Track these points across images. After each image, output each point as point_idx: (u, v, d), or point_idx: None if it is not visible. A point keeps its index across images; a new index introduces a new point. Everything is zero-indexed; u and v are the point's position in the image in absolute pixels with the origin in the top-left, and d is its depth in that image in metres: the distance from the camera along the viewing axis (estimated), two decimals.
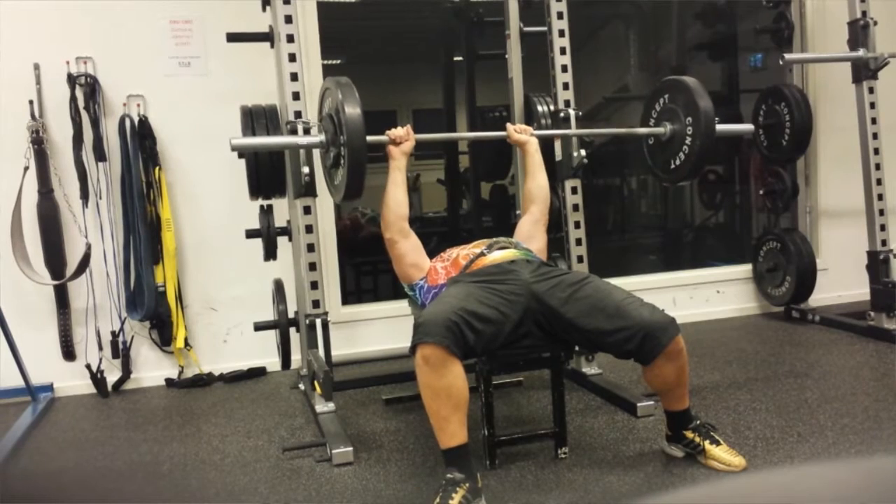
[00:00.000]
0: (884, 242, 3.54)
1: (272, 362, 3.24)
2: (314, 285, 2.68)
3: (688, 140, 2.61)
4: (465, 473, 1.94)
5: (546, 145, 3.15)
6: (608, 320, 2.07)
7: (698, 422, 2.20)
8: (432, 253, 2.47)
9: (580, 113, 2.98)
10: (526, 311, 2.10)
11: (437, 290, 2.27)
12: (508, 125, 2.70)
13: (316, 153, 2.59)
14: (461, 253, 2.37)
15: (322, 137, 2.21)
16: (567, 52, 3.03)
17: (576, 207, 3.05)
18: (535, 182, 2.61)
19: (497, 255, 2.30)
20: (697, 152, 2.58)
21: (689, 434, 2.18)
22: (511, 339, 2.10)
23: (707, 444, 2.15)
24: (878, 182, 3.54)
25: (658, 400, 2.54)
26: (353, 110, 1.99)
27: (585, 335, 2.13)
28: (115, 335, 3.34)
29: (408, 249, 2.38)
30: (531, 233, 2.56)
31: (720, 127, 2.58)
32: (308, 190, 2.62)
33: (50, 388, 3.29)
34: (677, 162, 2.68)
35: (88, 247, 3.17)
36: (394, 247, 2.39)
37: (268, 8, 2.76)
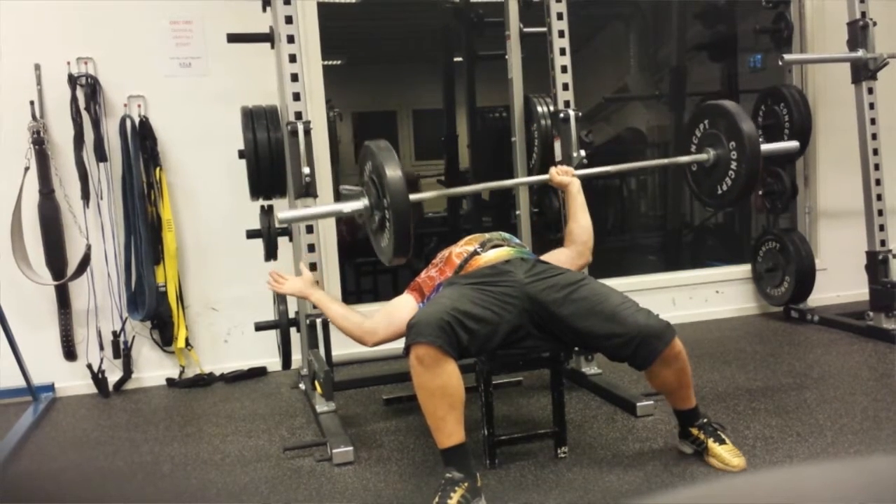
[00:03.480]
0: (883, 242, 3.54)
1: (273, 362, 3.24)
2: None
3: (733, 165, 2.56)
4: (463, 473, 1.94)
5: (546, 146, 3.16)
6: (603, 324, 2.07)
7: (705, 420, 2.21)
8: (430, 255, 2.46)
9: (580, 113, 2.99)
10: (522, 313, 2.10)
11: (434, 292, 2.28)
12: (552, 168, 2.60)
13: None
14: (454, 251, 2.37)
15: (366, 202, 2.19)
16: (567, 52, 3.03)
17: None
18: (579, 224, 2.49)
19: (491, 255, 2.29)
20: (745, 176, 2.53)
21: (695, 431, 2.19)
22: (510, 340, 2.11)
23: (711, 441, 2.16)
24: (878, 182, 3.54)
25: (658, 400, 2.56)
26: (394, 173, 1.97)
27: (580, 337, 2.14)
28: (116, 335, 3.35)
29: (393, 326, 2.26)
30: (563, 262, 2.41)
31: (765, 147, 2.55)
32: (308, 190, 2.62)
33: (51, 387, 3.29)
34: (724, 187, 2.63)
35: (88, 247, 3.18)
36: (386, 338, 2.30)
37: (268, 9, 2.76)
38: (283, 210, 2.37)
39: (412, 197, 2.10)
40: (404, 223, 1.98)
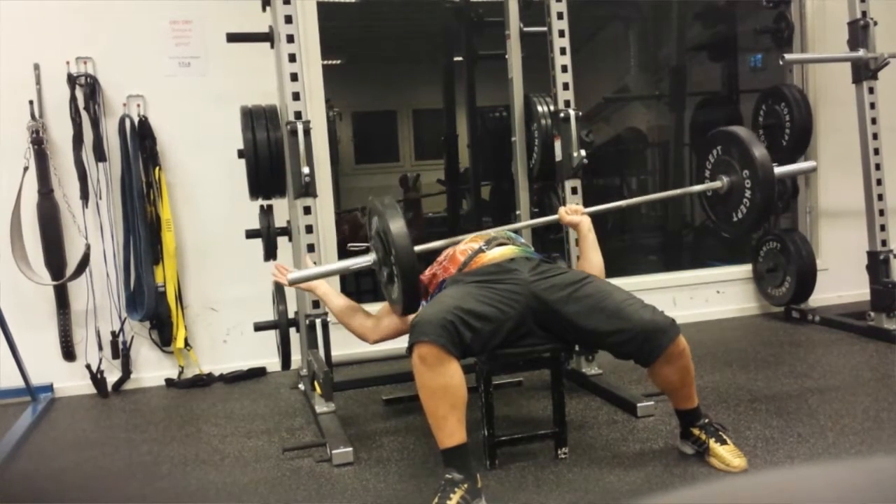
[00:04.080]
0: (884, 242, 3.53)
1: (272, 362, 3.24)
2: None
3: (748, 192, 2.54)
4: (463, 474, 1.93)
5: (546, 146, 3.15)
6: (607, 321, 2.06)
7: (706, 420, 2.20)
8: (432, 253, 2.46)
9: (580, 113, 2.98)
10: (526, 311, 2.10)
11: (438, 289, 2.27)
12: (560, 208, 2.56)
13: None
14: (459, 248, 2.36)
15: (374, 257, 2.24)
16: (567, 52, 3.03)
17: None
18: (590, 263, 2.44)
19: (496, 253, 2.29)
20: (760, 203, 2.50)
21: (696, 432, 2.19)
22: (512, 339, 2.11)
23: (712, 442, 2.15)
24: (878, 182, 3.53)
25: (659, 400, 2.55)
26: (398, 230, 2.03)
27: (584, 335, 2.14)
28: (115, 335, 3.34)
29: (396, 323, 2.34)
30: None
31: (779, 170, 2.53)
32: (308, 190, 2.62)
33: (50, 388, 3.29)
34: (740, 214, 2.60)
35: (88, 247, 3.18)
36: (389, 336, 2.39)
37: (268, 8, 2.76)
38: (296, 272, 2.40)
39: (417, 248, 2.14)
40: (412, 278, 2.05)
